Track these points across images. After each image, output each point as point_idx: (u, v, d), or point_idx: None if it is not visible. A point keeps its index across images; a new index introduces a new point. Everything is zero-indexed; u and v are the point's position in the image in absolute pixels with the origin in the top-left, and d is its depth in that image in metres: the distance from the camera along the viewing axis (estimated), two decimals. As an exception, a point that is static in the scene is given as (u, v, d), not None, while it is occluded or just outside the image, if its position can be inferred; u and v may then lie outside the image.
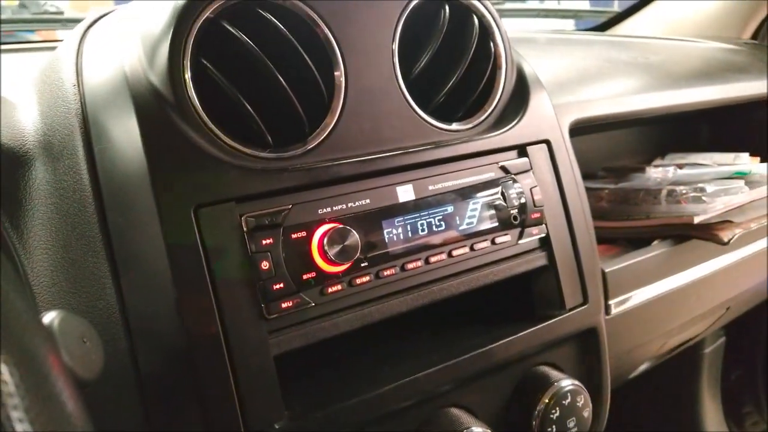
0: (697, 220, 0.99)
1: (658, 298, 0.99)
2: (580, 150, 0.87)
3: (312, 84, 0.63)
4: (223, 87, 0.59)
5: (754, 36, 1.71)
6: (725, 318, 1.37)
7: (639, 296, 0.96)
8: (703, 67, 1.30)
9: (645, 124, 1.41)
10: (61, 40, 0.73)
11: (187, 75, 0.58)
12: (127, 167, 0.56)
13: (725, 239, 0.98)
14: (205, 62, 0.59)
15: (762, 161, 1.24)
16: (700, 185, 1.04)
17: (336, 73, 0.64)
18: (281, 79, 0.60)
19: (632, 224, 1.08)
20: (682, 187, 1.05)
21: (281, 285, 0.57)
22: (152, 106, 0.56)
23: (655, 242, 1.03)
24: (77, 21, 0.76)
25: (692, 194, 1.03)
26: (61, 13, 1.52)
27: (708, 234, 1.00)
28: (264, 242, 0.57)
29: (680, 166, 1.17)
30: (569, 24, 2.05)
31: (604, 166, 1.32)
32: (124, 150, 0.56)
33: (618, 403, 0.84)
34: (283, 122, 0.62)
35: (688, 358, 1.66)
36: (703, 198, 1.02)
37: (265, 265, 0.56)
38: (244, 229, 0.56)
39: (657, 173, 1.14)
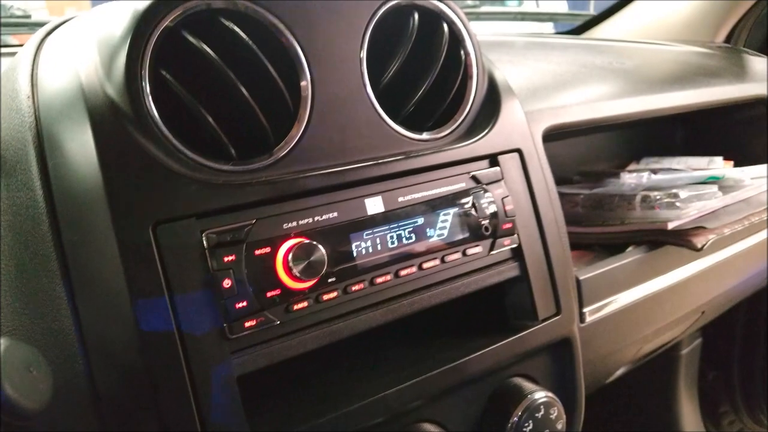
0: (670, 226, 0.99)
1: (633, 304, 0.98)
2: (555, 154, 0.86)
3: (277, 94, 0.62)
4: (184, 99, 0.57)
5: (728, 39, 1.72)
6: (700, 322, 1.37)
7: (614, 303, 0.95)
8: (677, 71, 1.30)
9: (620, 128, 1.41)
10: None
11: (146, 87, 0.56)
12: (82, 183, 0.54)
13: (699, 245, 0.97)
14: (164, 73, 0.57)
15: (735, 165, 1.25)
16: (673, 191, 1.04)
17: (302, 84, 0.62)
18: (243, 89, 0.58)
19: (607, 230, 1.08)
20: (656, 193, 1.05)
21: (244, 303, 0.55)
22: (108, 119, 0.54)
23: (630, 248, 1.03)
24: (44, 25, 0.73)
25: (666, 200, 1.03)
26: (28, 16, 1.48)
27: (682, 240, 0.99)
28: (226, 259, 0.55)
29: (654, 171, 1.17)
30: (546, 27, 2.05)
31: (579, 171, 1.32)
32: (79, 165, 0.54)
33: (595, 404, 0.84)
34: (248, 134, 0.60)
35: (665, 359, 1.66)
36: (677, 204, 1.02)
37: (227, 283, 0.54)
38: (205, 246, 0.54)
39: (631, 178, 1.13)
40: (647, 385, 1.74)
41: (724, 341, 1.83)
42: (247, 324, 0.55)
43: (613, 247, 1.06)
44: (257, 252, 0.56)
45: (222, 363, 0.54)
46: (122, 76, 0.55)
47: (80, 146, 0.54)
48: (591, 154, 1.39)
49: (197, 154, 0.58)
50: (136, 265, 0.52)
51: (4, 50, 1.03)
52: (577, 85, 1.09)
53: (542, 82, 1.05)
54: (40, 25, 1.44)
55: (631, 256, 0.99)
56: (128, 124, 0.55)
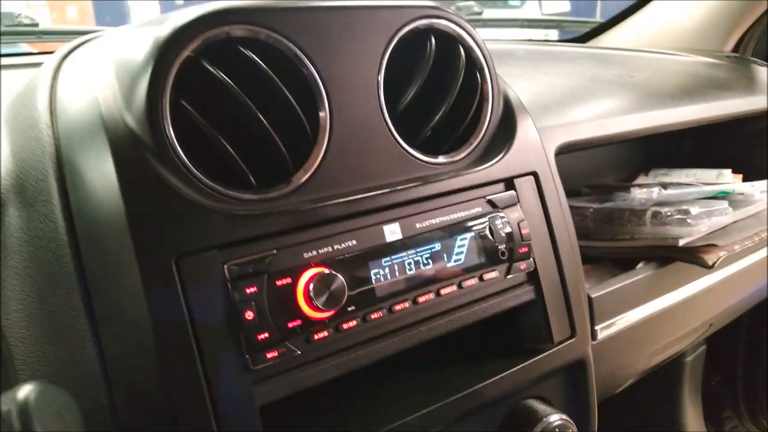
0: (681, 243, 0.99)
1: (644, 320, 0.98)
2: (563, 166, 0.86)
3: (296, 122, 0.62)
4: (203, 129, 0.57)
5: (735, 48, 1.72)
6: (707, 333, 1.38)
7: (625, 320, 0.96)
8: (687, 84, 1.30)
9: (627, 142, 1.41)
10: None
11: (167, 117, 0.56)
12: (104, 215, 0.54)
13: (710, 263, 0.98)
14: (185, 104, 0.57)
15: (744, 179, 1.25)
16: (684, 207, 1.04)
17: (321, 114, 0.62)
18: (262, 119, 0.58)
19: (617, 245, 1.08)
20: (666, 209, 1.05)
21: (266, 335, 0.55)
22: (129, 150, 0.54)
23: (640, 265, 1.03)
24: (52, 33, 0.73)
25: (677, 216, 1.03)
26: (36, 24, 1.47)
27: (693, 257, 0.99)
28: (248, 291, 0.55)
29: (664, 186, 1.17)
30: (552, 34, 2.04)
31: (588, 184, 1.32)
32: (101, 197, 0.54)
33: (599, 411, 0.84)
34: (267, 162, 0.61)
35: (669, 366, 1.67)
36: (688, 220, 1.02)
37: (249, 314, 0.55)
38: (227, 277, 0.55)
39: (641, 193, 1.13)
40: (651, 392, 1.75)
41: (727, 347, 1.83)
42: (269, 355, 0.55)
43: (623, 261, 1.06)
44: (278, 282, 0.56)
45: (245, 393, 0.55)
46: (143, 106, 0.55)
47: (102, 177, 0.54)
48: (598, 165, 1.39)
49: (217, 183, 0.58)
50: (159, 297, 0.52)
51: (18, 60, 1.03)
52: (588, 101, 1.09)
53: (552, 97, 1.05)
54: (48, 33, 1.43)
55: (642, 272, 0.99)
56: (149, 154, 0.55)
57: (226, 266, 0.55)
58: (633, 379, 1.30)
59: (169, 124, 0.56)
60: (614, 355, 0.97)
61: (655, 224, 1.05)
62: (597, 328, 0.91)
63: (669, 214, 1.04)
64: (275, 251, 0.57)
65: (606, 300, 0.92)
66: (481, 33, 0.77)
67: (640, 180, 1.33)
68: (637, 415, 1.79)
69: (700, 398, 1.82)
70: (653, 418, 1.78)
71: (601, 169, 1.40)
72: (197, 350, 0.53)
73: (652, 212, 1.06)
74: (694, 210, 1.03)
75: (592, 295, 0.89)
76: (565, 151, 0.93)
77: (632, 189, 1.16)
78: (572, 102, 1.06)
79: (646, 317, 0.99)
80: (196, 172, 0.56)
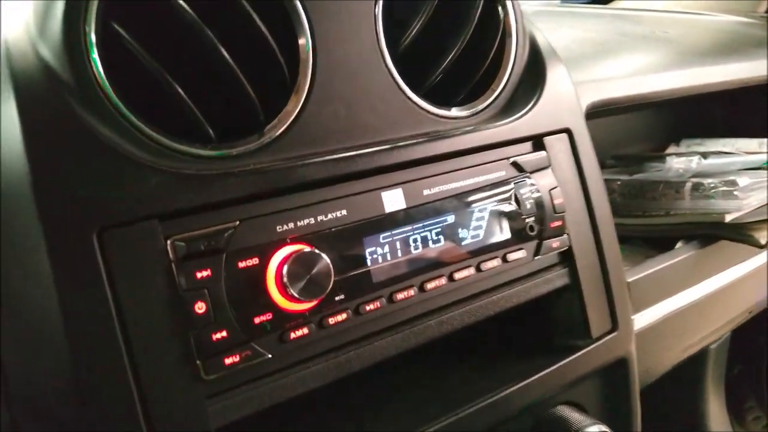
0: (728, 218, 0.88)
1: (684, 308, 0.88)
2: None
3: (269, 58, 0.49)
4: (144, 61, 0.43)
5: (770, 9, 1.58)
6: (742, 321, 1.26)
7: (664, 308, 0.85)
8: (725, 41, 1.17)
9: (656, 106, 1.27)
10: None
11: (92, 44, 0.42)
12: (4, 173, 0.40)
13: (763, 241, 0.86)
14: (117, 27, 0.43)
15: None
16: (730, 178, 0.91)
17: (300, 42, 0.50)
18: (224, 52, 0.45)
19: (651, 222, 0.97)
20: (709, 180, 0.92)
21: (224, 334, 0.42)
22: (41, 87, 0.42)
23: (679, 244, 0.91)
24: None
25: (722, 188, 0.91)
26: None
27: (742, 235, 0.88)
28: (199, 275, 0.42)
29: (704, 155, 1.03)
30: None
31: (613, 154, 1.19)
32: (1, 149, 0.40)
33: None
34: (231, 110, 0.48)
35: (693, 354, 1.57)
36: (735, 193, 0.90)
37: (200, 307, 0.41)
38: (172, 257, 0.41)
39: (679, 163, 1.00)
40: (674, 380, 1.65)
41: (751, 335, 1.73)
42: (228, 360, 0.43)
43: (656, 240, 0.93)
44: (241, 264, 0.44)
45: (194, 414, 0.42)
46: (60, 29, 0.42)
47: (3, 124, 0.41)
48: (621, 135, 1.27)
49: (162, 134, 0.44)
50: (75, 285, 0.39)
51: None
52: (622, 56, 0.96)
53: (582, 51, 0.92)
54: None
55: (683, 253, 0.88)
56: (67, 93, 0.42)
57: (169, 242, 0.42)
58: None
59: (95, 52, 0.42)
60: (651, 350, 0.86)
61: (696, 198, 0.93)
62: (633, 318, 0.78)
63: (712, 185, 0.91)
64: (237, 223, 0.44)
65: (644, 285, 0.80)
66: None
67: (672, 150, 1.20)
68: (659, 406, 1.69)
69: (724, 388, 1.73)
70: (675, 407, 1.69)
71: (623, 140, 1.27)
72: (127, 356, 0.40)
73: (693, 184, 0.93)
74: (742, 181, 0.90)
75: (629, 280, 0.76)
76: (596, 112, 0.79)
77: (667, 158, 1.04)
78: (603, 56, 0.93)
79: (687, 305, 0.87)
80: (130, 116, 0.43)
